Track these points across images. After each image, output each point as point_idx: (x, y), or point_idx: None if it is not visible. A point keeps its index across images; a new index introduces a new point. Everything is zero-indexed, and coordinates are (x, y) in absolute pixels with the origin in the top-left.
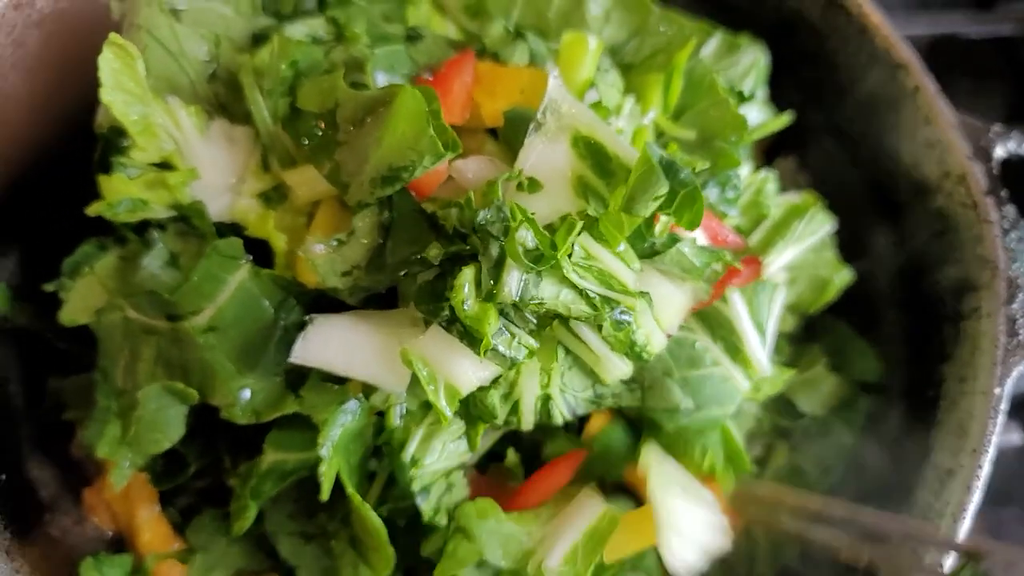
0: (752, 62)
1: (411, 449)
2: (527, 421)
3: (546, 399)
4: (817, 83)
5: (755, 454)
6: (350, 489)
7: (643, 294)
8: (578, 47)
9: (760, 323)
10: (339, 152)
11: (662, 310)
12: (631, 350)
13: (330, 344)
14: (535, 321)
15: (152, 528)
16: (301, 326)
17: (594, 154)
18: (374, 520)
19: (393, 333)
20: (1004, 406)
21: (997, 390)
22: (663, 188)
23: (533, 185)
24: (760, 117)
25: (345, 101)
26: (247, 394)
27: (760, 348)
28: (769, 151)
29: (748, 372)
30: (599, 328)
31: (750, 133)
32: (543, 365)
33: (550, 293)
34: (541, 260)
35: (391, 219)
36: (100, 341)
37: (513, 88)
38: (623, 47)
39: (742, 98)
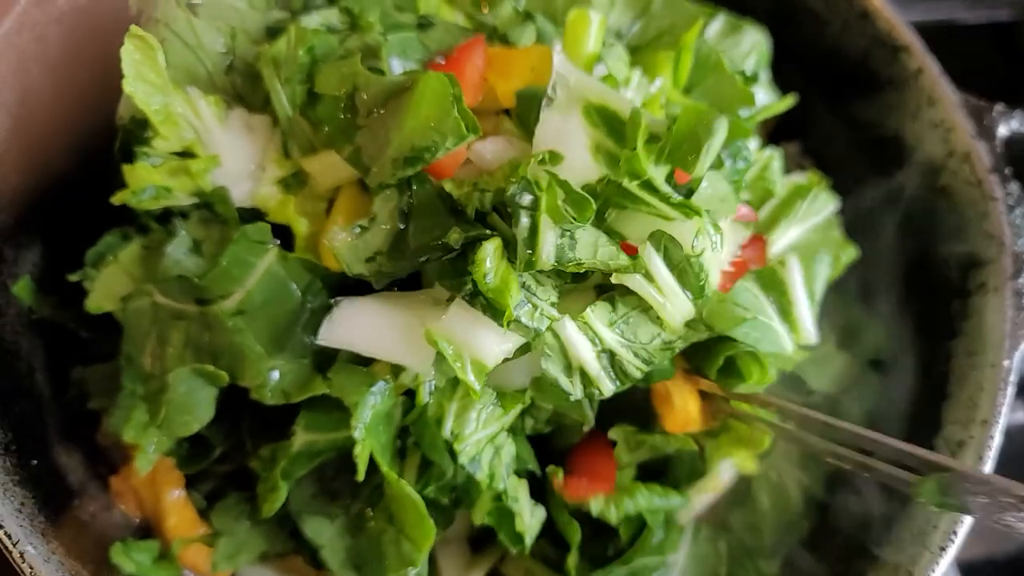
0: (754, 44)
1: (448, 425)
2: (606, 387)
3: (612, 356)
4: (819, 68)
5: None
6: (385, 468)
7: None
8: (581, 23)
9: (812, 290)
10: (359, 136)
11: None
12: (696, 281)
13: (355, 326)
14: (556, 291)
15: (178, 513)
16: (328, 308)
17: (607, 120)
18: (412, 495)
19: (417, 314)
20: (1013, 378)
21: (1006, 363)
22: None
23: (555, 158)
24: (764, 99)
25: (365, 86)
26: (276, 375)
27: (809, 314)
28: (772, 136)
29: (795, 336)
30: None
31: (755, 114)
32: (579, 322)
33: (587, 253)
34: (583, 210)
35: (411, 204)
36: (126, 327)
37: (524, 67)
38: (628, 30)
39: (746, 78)
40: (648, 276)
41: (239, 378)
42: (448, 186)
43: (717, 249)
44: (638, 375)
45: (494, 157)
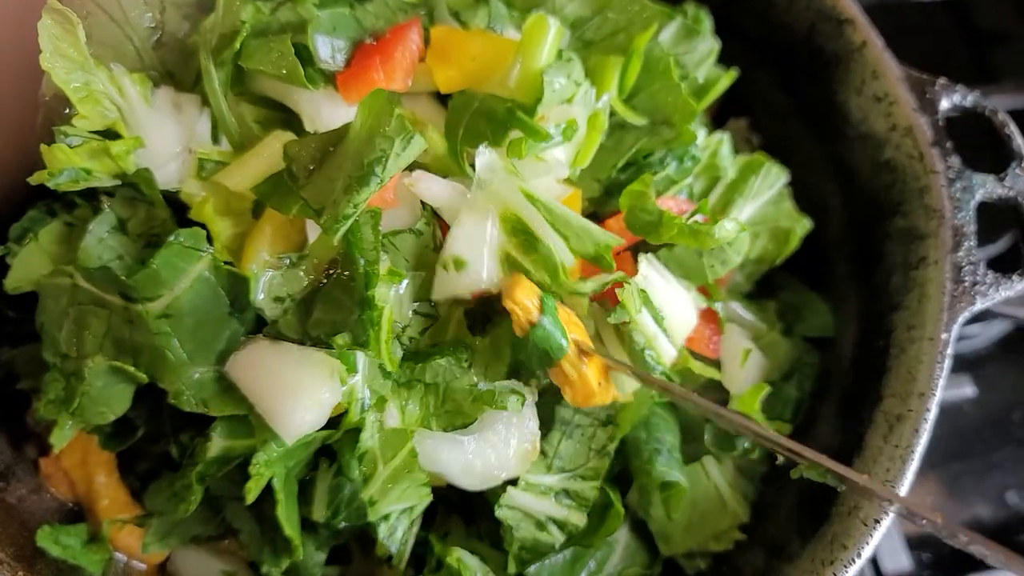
0: (708, 50)
1: (371, 490)
2: (579, 520)
3: (567, 492)
4: (766, 43)
5: None
6: (280, 504)
7: None
8: (539, 29)
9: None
10: (304, 192)
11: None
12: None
13: (254, 370)
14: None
15: (110, 494)
16: (253, 324)
17: (521, 233)
18: (292, 535)
19: (315, 382)
20: (950, 350)
21: (944, 335)
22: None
23: (459, 264)
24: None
25: (296, 155)
26: (197, 384)
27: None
28: (721, 113)
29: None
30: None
31: (701, 101)
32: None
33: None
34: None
35: (335, 275)
36: (42, 300)
37: (465, 55)
38: (586, 23)
39: (698, 88)
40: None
41: (158, 380)
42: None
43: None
44: (594, 493)
45: (433, 195)
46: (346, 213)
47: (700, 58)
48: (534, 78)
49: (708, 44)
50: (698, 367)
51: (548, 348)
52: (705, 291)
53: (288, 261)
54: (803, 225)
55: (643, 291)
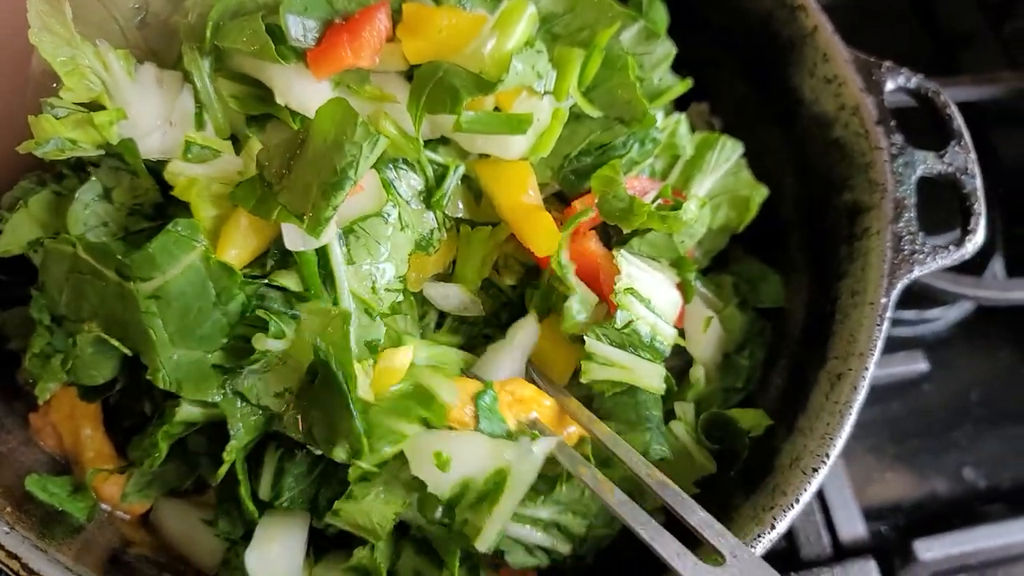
0: (665, 54)
1: None
2: (564, 550)
3: (556, 525)
4: (727, 31)
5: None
6: (242, 484)
7: None
8: (517, 11)
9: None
10: (281, 196)
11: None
12: (646, 345)
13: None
14: None
15: (95, 447)
16: (242, 314)
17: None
18: (252, 511)
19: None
20: (889, 314)
21: (884, 300)
22: None
23: None
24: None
25: (267, 159)
26: (174, 364)
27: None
28: (683, 98)
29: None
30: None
31: (655, 102)
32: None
33: None
34: None
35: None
36: (45, 262)
37: (433, 28)
38: (557, 19)
39: (654, 90)
40: (607, 363)
41: (140, 355)
42: None
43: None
44: (582, 529)
45: None
46: (326, 215)
47: (657, 60)
48: (503, 57)
49: (666, 48)
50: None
51: None
52: (677, 265)
53: (278, 359)
54: (760, 192)
55: (629, 288)
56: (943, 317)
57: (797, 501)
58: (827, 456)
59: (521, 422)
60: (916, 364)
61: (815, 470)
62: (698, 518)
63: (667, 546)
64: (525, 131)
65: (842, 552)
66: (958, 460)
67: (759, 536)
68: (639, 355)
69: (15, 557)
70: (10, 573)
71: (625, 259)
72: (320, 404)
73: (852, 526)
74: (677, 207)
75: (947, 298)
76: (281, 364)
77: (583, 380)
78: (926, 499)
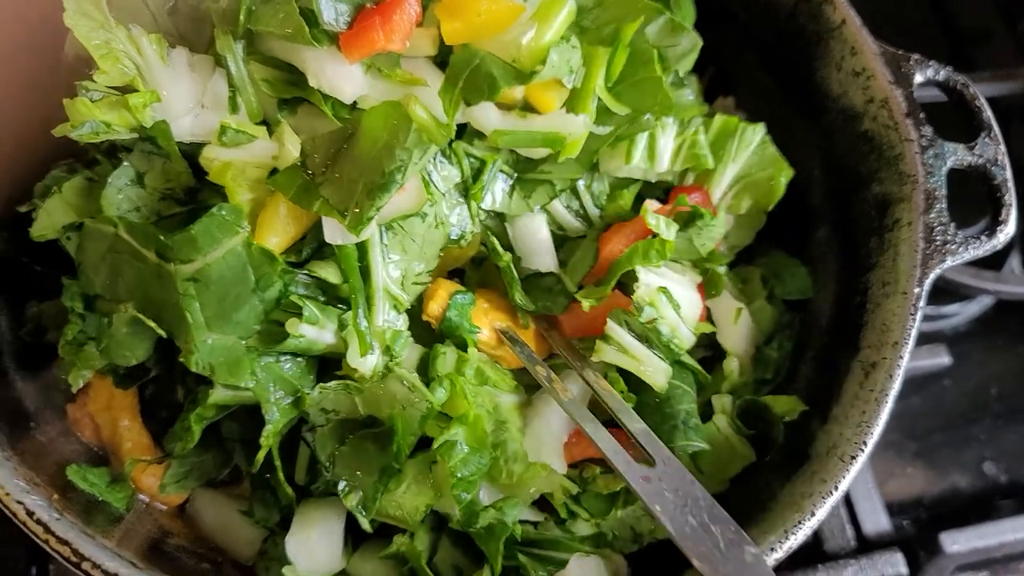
0: (691, 46)
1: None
2: None
3: None
4: (752, 26)
5: None
6: (279, 469)
7: None
8: (556, 5)
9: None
10: (323, 189)
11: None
12: (662, 342)
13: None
14: None
15: (133, 437)
16: (276, 302)
17: None
18: (290, 496)
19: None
20: (923, 303)
21: (916, 290)
22: None
23: None
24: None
25: (312, 149)
26: (209, 348)
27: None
28: (707, 92)
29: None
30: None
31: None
32: None
33: None
34: None
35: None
36: (83, 242)
37: (471, 11)
38: (586, 13)
39: (678, 80)
40: (621, 348)
41: (176, 337)
42: None
43: (676, 309)
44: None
45: None
46: (369, 215)
47: (683, 52)
48: (541, 49)
49: (692, 40)
50: (701, 326)
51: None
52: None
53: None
54: (787, 172)
55: (663, 288)
56: (962, 312)
57: (836, 488)
58: (864, 444)
59: (496, 329)
60: (939, 358)
61: (853, 458)
62: (637, 427)
63: (606, 442)
64: (559, 148)
65: (866, 545)
66: (979, 454)
67: (799, 523)
68: (653, 351)
69: (65, 543)
70: (60, 559)
71: (649, 272)
72: (360, 447)
73: (876, 519)
74: (697, 215)
75: (968, 292)
76: (345, 391)
77: (593, 358)
78: (947, 494)
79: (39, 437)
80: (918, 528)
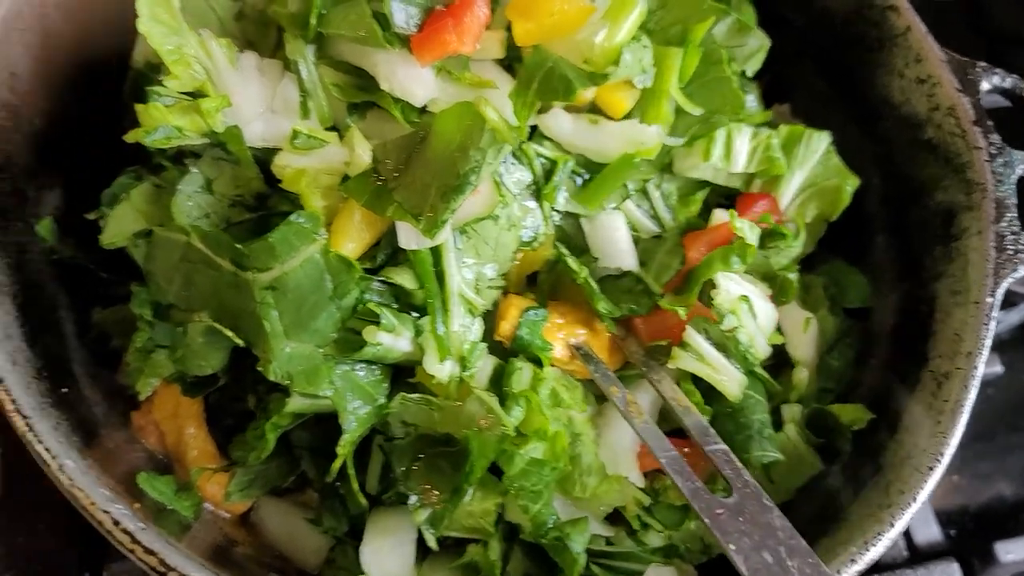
0: (759, 46)
1: None
2: None
3: None
4: (810, 31)
5: None
6: (352, 479)
7: None
8: (628, 5)
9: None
10: (396, 195)
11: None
12: (739, 351)
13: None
14: None
15: (199, 445)
16: (353, 309)
17: None
18: (363, 504)
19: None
20: (995, 313)
21: (989, 299)
22: None
23: None
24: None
25: (383, 154)
26: (287, 357)
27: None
28: (764, 99)
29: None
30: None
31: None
32: None
33: None
34: None
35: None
36: (152, 250)
37: (544, 11)
38: (651, 15)
39: (745, 79)
40: (699, 356)
41: (253, 346)
42: None
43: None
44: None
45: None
46: (443, 218)
47: (750, 52)
48: (613, 49)
49: (759, 40)
50: (773, 336)
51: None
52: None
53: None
54: (852, 181)
55: (745, 297)
56: (1004, 320)
57: (915, 499)
58: (941, 454)
59: (570, 345)
60: (992, 367)
61: (930, 468)
62: (716, 448)
63: (682, 476)
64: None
65: (917, 555)
66: (1022, 463)
67: (879, 534)
68: (729, 360)
69: (152, 553)
70: (147, 569)
71: (729, 280)
72: (433, 463)
73: (927, 529)
74: (777, 234)
75: (1013, 299)
76: (427, 405)
77: (669, 364)
78: (993, 502)
79: (108, 444)
80: (967, 537)
